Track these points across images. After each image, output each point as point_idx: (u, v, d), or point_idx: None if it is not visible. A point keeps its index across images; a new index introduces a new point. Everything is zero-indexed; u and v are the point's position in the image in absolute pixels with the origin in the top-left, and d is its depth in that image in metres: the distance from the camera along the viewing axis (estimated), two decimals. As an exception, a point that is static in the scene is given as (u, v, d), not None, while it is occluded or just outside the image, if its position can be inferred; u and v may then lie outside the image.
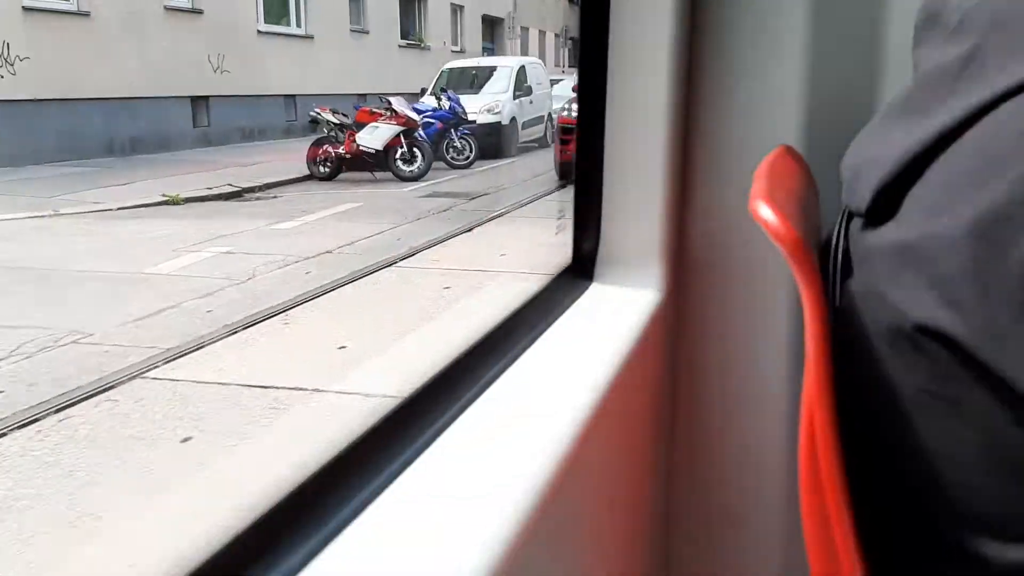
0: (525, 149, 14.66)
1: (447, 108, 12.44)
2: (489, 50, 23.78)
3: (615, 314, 1.07)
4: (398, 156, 11.23)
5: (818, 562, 0.65)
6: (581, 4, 1.14)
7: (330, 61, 16.96)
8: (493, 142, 13.24)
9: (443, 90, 13.25)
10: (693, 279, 1.22)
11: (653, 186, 1.13)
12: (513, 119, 14.38)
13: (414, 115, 11.57)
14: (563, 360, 0.93)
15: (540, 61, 17.84)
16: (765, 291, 1.18)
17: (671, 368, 1.25)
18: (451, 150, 12.33)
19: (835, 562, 0.63)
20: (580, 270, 1.19)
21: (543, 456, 0.68)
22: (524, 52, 26.81)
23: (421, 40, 21.11)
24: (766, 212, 0.62)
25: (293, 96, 15.95)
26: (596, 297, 1.14)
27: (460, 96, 12.88)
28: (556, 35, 30.03)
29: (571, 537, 0.78)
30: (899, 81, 0.71)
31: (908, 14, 0.72)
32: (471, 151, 12.36)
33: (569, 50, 29.53)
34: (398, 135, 11.20)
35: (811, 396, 0.62)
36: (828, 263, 0.72)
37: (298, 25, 16.99)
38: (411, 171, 11.25)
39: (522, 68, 15.47)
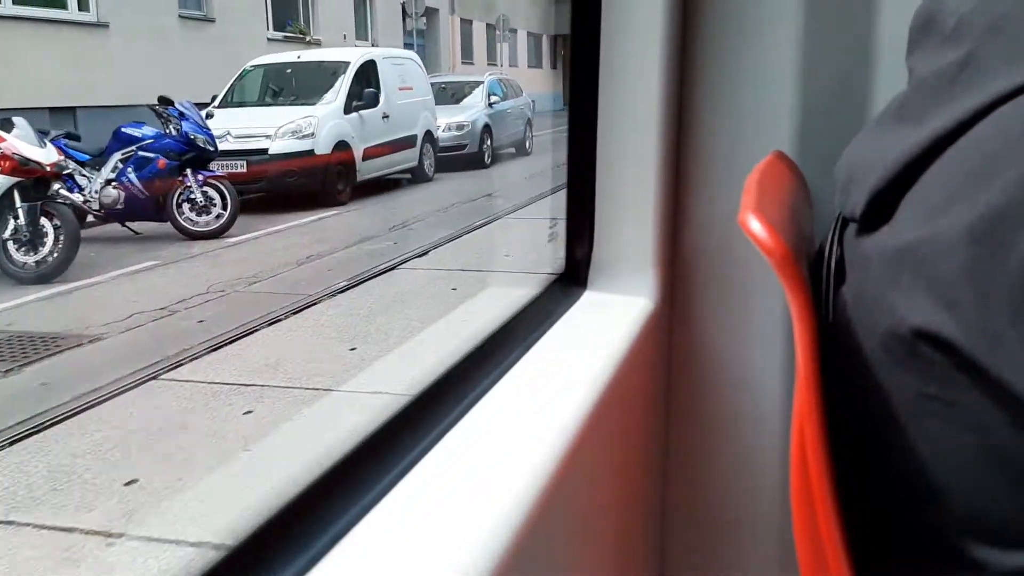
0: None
1: (180, 133, 7.62)
2: (412, 46, 17.13)
3: (608, 321, 1.07)
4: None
5: (809, 568, 0.65)
6: (572, 9, 1.14)
7: (139, 59, 11.07)
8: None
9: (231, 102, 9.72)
10: (687, 285, 1.22)
11: (646, 192, 1.13)
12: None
13: (38, 154, 6.38)
14: (557, 368, 0.93)
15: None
16: (759, 298, 1.18)
17: (665, 375, 1.25)
18: (185, 205, 7.48)
19: (825, 567, 0.63)
20: (573, 277, 1.19)
21: (538, 464, 0.68)
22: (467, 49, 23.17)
23: (303, 31, 15.48)
24: (755, 226, 0.62)
25: (72, 109, 10.41)
26: (589, 304, 1.14)
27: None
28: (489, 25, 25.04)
29: (567, 544, 0.78)
30: (892, 87, 0.72)
31: (902, 20, 0.72)
32: (225, 206, 7.52)
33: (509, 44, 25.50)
34: None
35: (801, 408, 0.62)
36: (822, 270, 0.72)
37: (81, 8, 11.08)
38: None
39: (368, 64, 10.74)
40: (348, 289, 5.83)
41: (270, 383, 4.19)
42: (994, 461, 0.57)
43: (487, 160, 12.84)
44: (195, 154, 7.62)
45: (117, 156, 7.45)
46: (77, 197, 7.07)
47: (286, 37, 14.81)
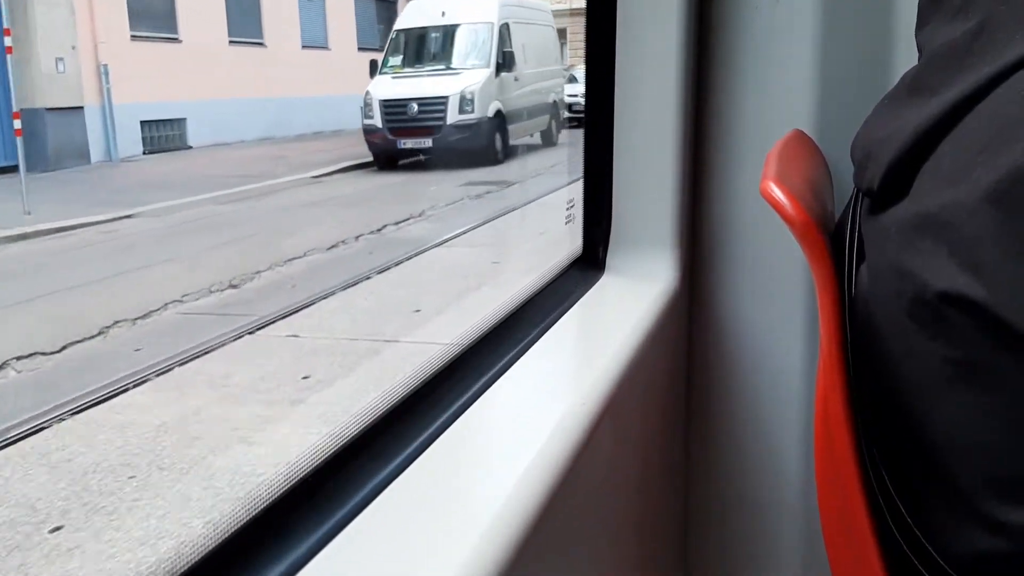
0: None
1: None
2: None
3: (627, 303, 1.06)
4: None
5: (835, 544, 0.66)
6: None
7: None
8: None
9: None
10: (706, 266, 1.22)
11: (665, 173, 1.13)
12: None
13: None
14: (573, 351, 0.93)
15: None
16: (780, 276, 1.17)
17: (685, 356, 1.24)
18: None
19: (853, 545, 0.64)
20: (591, 260, 1.18)
21: (556, 445, 0.67)
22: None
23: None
24: (777, 194, 0.62)
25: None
26: (607, 286, 1.14)
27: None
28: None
29: (586, 525, 0.78)
30: (910, 65, 0.72)
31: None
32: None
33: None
34: None
35: (825, 376, 0.63)
36: (843, 247, 0.72)
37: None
38: None
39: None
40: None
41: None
42: (1023, 420, 0.57)
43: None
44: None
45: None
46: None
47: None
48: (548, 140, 14.21)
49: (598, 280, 1.15)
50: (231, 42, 15.01)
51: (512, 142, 12.64)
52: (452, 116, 11.38)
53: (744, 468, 1.25)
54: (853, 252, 0.70)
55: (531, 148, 13.82)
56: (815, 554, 1.10)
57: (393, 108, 11.51)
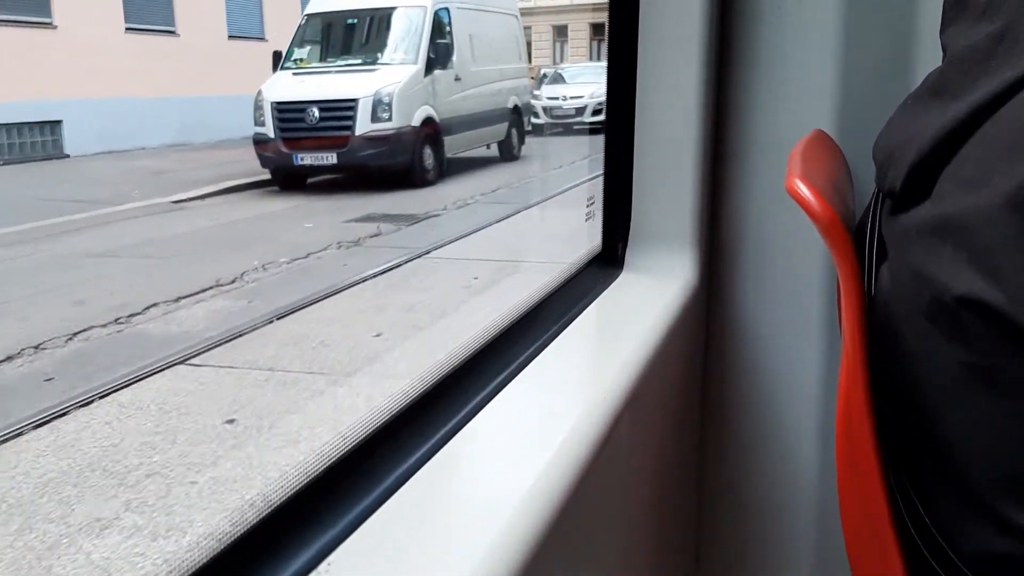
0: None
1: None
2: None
3: (646, 300, 1.07)
4: None
5: (856, 544, 0.66)
6: None
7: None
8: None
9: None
10: (725, 264, 1.22)
11: (685, 172, 1.13)
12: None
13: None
14: (593, 347, 0.95)
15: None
16: (799, 275, 1.17)
17: (702, 354, 1.24)
18: None
19: (873, 543, 0.64)
20: (610, 257, 1.19)
21: (573, 443, 0.67)
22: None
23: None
24: (804, 191, 0.62)
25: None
26: (626, 283, 1.14)
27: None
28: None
29: (602, 522, 0.78)
30: (933, 66, 0.70)
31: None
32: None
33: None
34: None
35: (848, 376, 0.63)
36: (863, 248, 0.72)
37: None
38: None
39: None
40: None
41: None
42: None
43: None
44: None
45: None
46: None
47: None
48: (507, 153, 11.76)
49: (617, 277, 1.16)
50: (129, 30, 12.46)
51: (454, 155, 10.13)
52: (362, 125, 8.86)
53: (759, 467, 1.25)
54: (873, 253, 0.71)
55: (481, 163, 11.34)
56: (830, 553, 1.17)
57: (288, 113, 9.01)
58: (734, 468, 1.25)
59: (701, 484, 1.28)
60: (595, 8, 27.34)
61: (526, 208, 7.84)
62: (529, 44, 31.13)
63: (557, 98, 16.09)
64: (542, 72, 18.06)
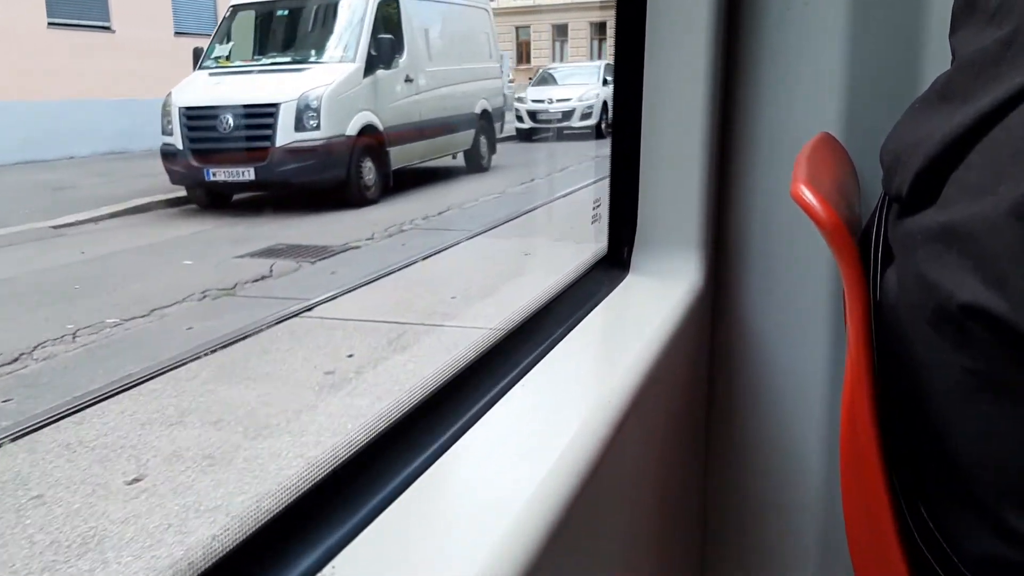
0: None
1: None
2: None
3: (651, 303, 1.06)
4: None
5: (860, 548, 0.66)
6: None
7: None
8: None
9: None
10: (731, 267, 1.21)
11: (691, 175, 1.12)
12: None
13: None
14: (599, 349, 0.94)
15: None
16: (805, 279, 1.16)
17: (708, 358, 1.23)
18: None
19: (877, 547, 0.64)
20: (616, 259, 1.18)
21: (579, 444, 0.67)
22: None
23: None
24: (808, 197, 0.62)
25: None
26: (632, 286, 1.14)
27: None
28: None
29: (607, 524, 0.77)
30: (941, 69, 0.70)
31: (949, 2, 0.70)
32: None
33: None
34: None
35: (852, 381, 0.63)
36: (868, 251, 0.71)
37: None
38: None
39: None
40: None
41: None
42: None
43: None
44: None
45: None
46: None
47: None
48: (474, 163, 10.42)
49: (623, 280, 1.15)
50: (52, 25, 11.10)
51: (406, 167, 8.79)
52: (284, 134, 7.50)
53: (764, 470, 1.24)
54: (878, 257, 0.70)
55: (443, 176, 9.96)
56: (835, 556, 1.16)
57: (199, 121, 7.67)
58: (739, 471, 1.25)
59: (706, 487, 1.28)
60: (596, 7, 26.20)
61: (470, 237, 6.45)
62: (528, 44, 29.80)
63: (543, 101, 14.73)
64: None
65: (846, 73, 1.10)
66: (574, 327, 0.94)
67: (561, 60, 26.20)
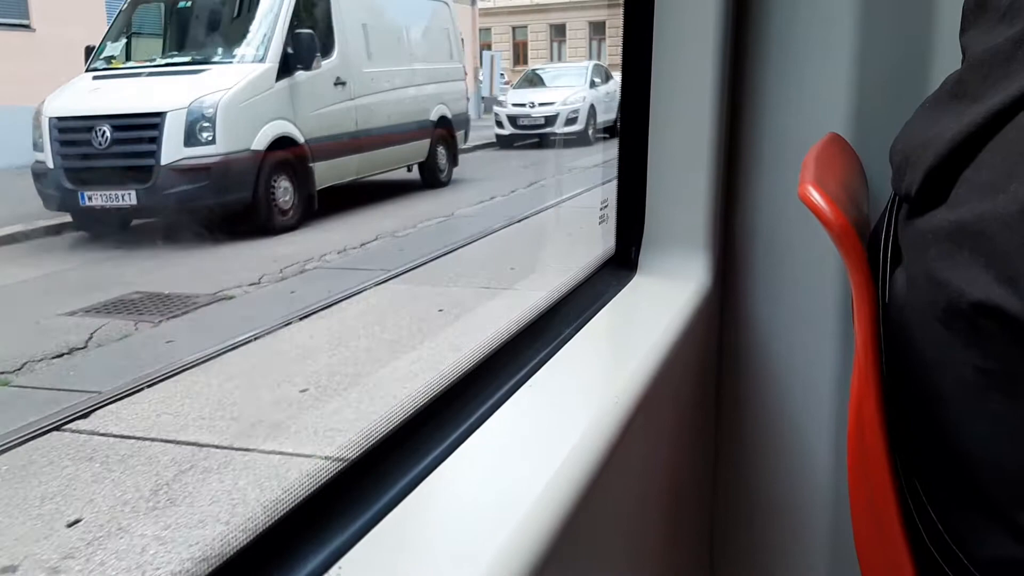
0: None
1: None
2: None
3: (659, 303, 1.06)
4: None
5: (867, 548, 0.65)
6: None
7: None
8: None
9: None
10: (739, 268, 1.21)
11: (699, 175, 1.12)
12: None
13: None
14: (606, 349, 0.93)
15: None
16: (813, 280, 1.16)
17: (716, 358, 1.23)
18: None
19: (884, 549, 0.63)
20: (623, 260, 1.18)
21: (587, 445, 0.66)
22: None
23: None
24: (816, 198, 0.62)
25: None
26: (640, 287, 1.13)
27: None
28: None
29: (616, 523, 0.77)
30: (950, 69, 0.69)
31: (959, 1, 0.70)
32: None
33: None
34: None
35: (860, 382, 0.63)
36: (878, 252, 0.71)
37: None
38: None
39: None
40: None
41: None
42: None
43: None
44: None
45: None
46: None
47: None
48: (431, 177, 9.16)
49: (630, 280, 1.14)
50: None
51: (337, 183, 7.51)
52: (171, 150, 6.16)
53: (773, 470, 1.23)
54: (888, 258, 0.70)
55: (391, 192, 8.67)
56: (844, 557, 1.15)
57: (72, 134, 6.36)
58: (748, 471, 1.24)
59: (715, 487, 1.27)
60: (595, 6, 25.18)
61: (382, 282, 5.10)
62: (525, 44, 28.60)
63: (524, 105, 13.44)
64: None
65: (855, 73, 1.10)
66: (582, 327, 0.94)
67: (560, 60, 25.14)
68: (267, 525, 0.54)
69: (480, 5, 21.56)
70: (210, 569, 0.51)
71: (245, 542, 0.53)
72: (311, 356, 3.72)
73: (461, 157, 9.98)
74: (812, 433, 1.17)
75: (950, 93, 0.66)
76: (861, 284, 0.62)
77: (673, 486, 1.04)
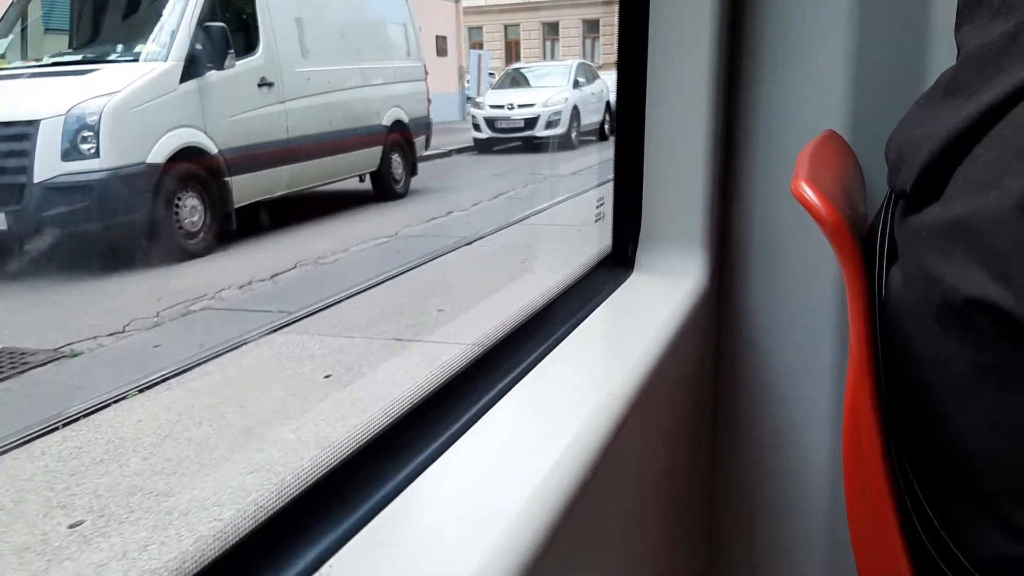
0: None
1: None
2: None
3: (656, 301, 1.06)
4: None
5: (863, 545, 0.65)
6: None
7: None
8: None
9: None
10: (736, 265, 1.21)
11: (695, 172, 1.12)
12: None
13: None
14: (603, 347, 0.94)
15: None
16: (810, 277, 1.16)
17: (713, 355, 1.23)
18: None
19: (880, 545, 0.63)
20: (620, 257, 1.19)
21: (584, 441, 0.66)
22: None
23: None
24: (809, 195, 0.62)
25: None
26: (637, 284, 1.14)
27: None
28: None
29: (610, 524, 0.77)
30: (946, 64, 0.70)
31: None
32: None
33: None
34: None
35: (855, 379, 0.63)
36: (875, 248, 0.71)
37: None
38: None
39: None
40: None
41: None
42: None
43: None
44: None
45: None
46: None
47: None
48: (385, 188, 8.24)
49: (627, 278, 1.15)
50: None
51: (265, 198, 6.57)
52: (46, 165, 5.17)
53: (770, 468, 1.23)
54: (884, 254, 0.70)
55: (331, 207, 7.73)
56: (841, 556, 1.15)
57: (-68, 147, 5.37)
58: (745, 469, 1.24)
59: (712, 485, 1.27)
60: (589, 3, 24.43)
61: (279, 328, 4.15)
62: (517, 43, 27.67)
63: (502, 107, 12.48)
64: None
65: (851, 70, 1.11)
66: (578, 325, 0.94)
67: (553, 59, 24.34)
68: (256, 524, 0.54)
69: (470, 3, 20.69)
70: (200, 568, 0.51)
71: (234, 541, 0.53)
72: (119, 458, 2.77)
73: (428, 164, 9.05)
74: (809, 430, 1.18)
75: (945, 89, 0.67)
76: (854, 280, 0.63)
77: (670, 485, 1.05)
